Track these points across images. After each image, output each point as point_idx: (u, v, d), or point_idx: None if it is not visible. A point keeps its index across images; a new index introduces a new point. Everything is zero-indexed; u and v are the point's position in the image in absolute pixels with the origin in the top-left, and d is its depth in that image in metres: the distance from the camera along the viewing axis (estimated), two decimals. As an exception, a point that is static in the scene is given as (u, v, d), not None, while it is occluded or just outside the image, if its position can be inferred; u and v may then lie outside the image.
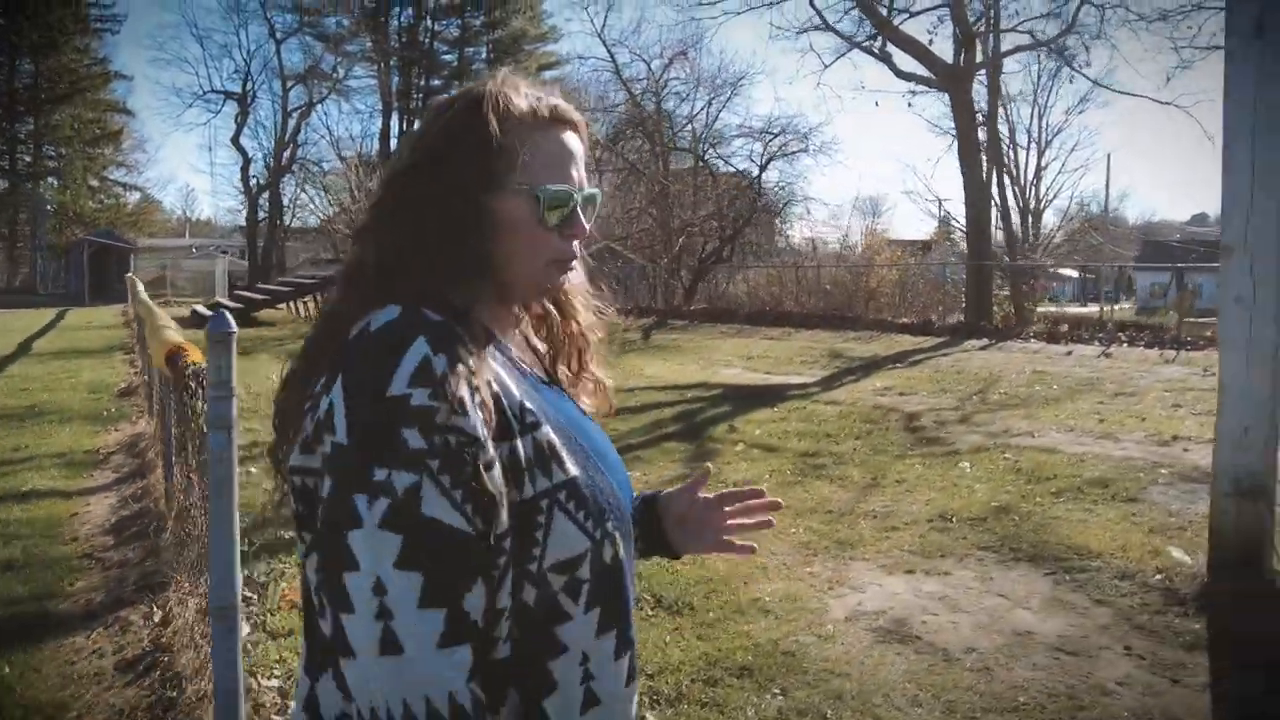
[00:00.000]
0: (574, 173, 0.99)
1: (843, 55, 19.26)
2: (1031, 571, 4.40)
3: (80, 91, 43.63)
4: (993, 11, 17.42)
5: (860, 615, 3.92)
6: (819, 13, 18.33)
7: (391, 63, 51.04)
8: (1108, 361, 12.77)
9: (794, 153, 24.43)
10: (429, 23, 51.90)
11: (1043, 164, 38.06)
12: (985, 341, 16.23)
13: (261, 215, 46.07)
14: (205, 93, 45.20)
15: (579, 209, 0.98)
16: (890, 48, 17.59)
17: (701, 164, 23.81)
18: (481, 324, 0.95)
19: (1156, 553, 4.48)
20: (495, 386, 0.89)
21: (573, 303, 1.10)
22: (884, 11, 17.38)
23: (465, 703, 0.79)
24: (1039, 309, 20.71)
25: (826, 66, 19.53)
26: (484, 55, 52.69)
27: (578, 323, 1.11)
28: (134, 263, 32.72)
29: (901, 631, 3.73)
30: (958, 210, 19.10)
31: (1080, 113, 50.02)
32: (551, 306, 1.09)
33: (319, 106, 48.17)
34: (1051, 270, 30.72)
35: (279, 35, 45.62)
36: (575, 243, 1.00)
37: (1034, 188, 37.52)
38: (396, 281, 0.91)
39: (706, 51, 26.61)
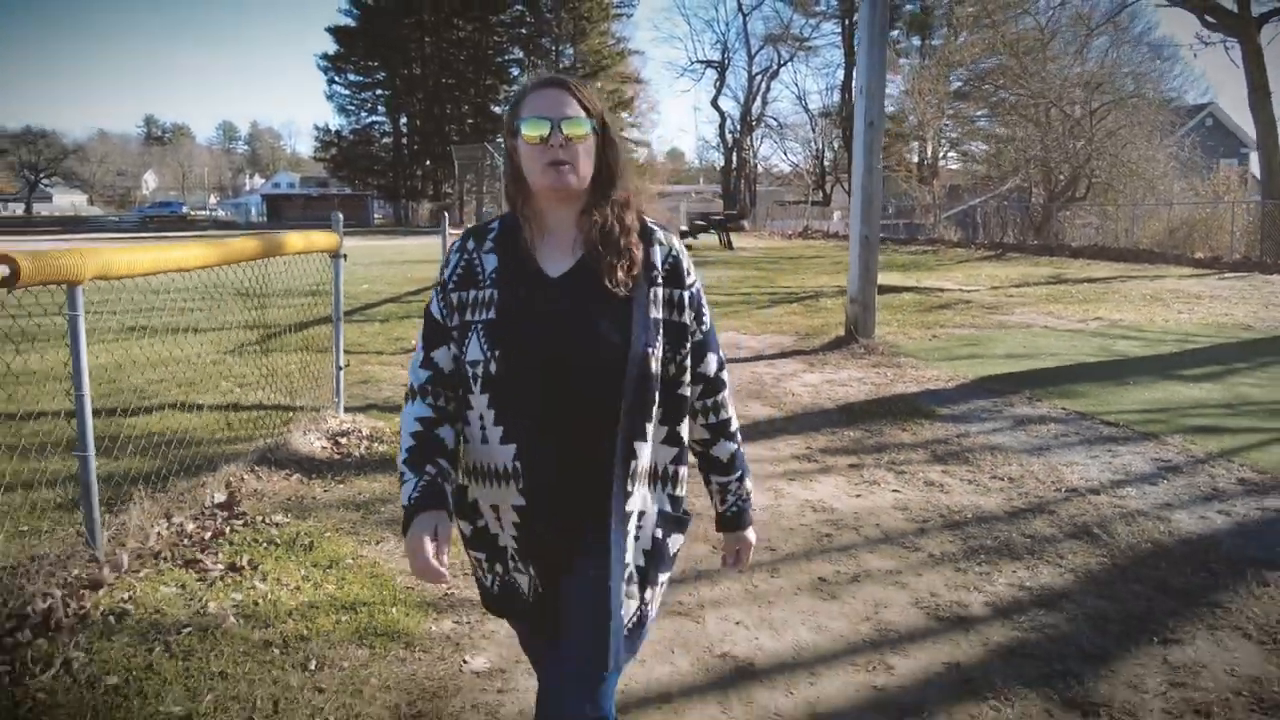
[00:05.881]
0: (547, 109, 1.55)
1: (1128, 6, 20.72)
2: (780, 334, 9.49)
3: (604, 68, 56.01)
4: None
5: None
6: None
7: (854, 18, 55.67)
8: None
9: (1120, 99, 25.61)
10: (896, -27, 55.11)
11: None
12: (1242, 275, 17.47)
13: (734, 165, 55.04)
14: (692, 64, 55.14)
15: (556, 128, 1.53)
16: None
17: (1053, 107, 26.14)
18: (517, 221, 1.61)
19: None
20: (477, 259, 1.60)
21: (620, 214, 1.62)
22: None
23: (415, 385, 1.62)
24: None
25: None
26: None
27: (622, 226, 1.61)
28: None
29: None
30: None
31: None
32: (613, 221, 1.61)
33: (787, 65, 55.27)
34: None
35: (745, 8, 53.30)
36: (559, 149, 1.53)
37: None
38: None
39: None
